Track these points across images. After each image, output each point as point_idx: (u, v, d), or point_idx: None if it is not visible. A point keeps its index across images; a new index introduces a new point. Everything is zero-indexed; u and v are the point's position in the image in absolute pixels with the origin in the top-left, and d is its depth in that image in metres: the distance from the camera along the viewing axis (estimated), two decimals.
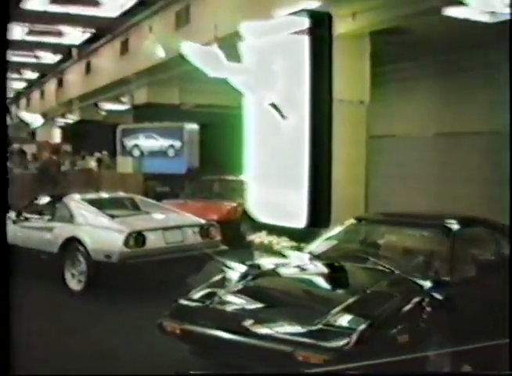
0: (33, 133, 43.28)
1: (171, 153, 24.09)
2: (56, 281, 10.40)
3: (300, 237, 9.55)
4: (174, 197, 17.48)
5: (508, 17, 9.16)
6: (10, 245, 11.19)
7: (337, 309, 5.75)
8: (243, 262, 7.53)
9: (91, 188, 16.47)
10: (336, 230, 8.22)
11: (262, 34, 11.43)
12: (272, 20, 11.43)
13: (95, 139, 31.13)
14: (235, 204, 15.39)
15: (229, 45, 14.80)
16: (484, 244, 7.82)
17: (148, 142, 24.88)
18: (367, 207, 12.50)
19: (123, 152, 25.78)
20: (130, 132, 25.61)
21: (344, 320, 5.60)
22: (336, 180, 10.54)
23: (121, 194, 12.85)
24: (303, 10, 10.59)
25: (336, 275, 6.99)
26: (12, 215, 11.77)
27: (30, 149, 35.75)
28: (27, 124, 40.05)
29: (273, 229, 11.03)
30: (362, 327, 5.44)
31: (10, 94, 30.86)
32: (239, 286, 6.79)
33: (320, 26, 10.18)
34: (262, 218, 11.38)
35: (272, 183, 11.12)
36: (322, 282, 7.15)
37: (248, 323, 5.84)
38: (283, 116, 10.71)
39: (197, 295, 6.62)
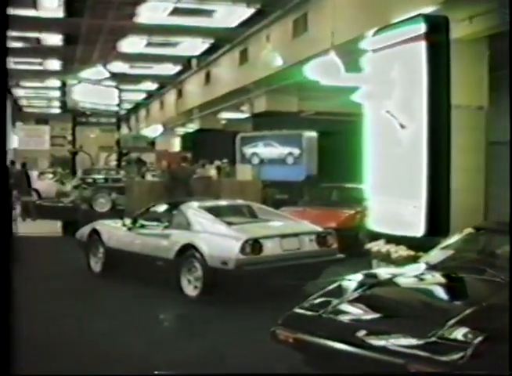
0: (152, 143, 44.34)
1: (289, 160, 24.17)
2: (172, 287, 10.58)
3: (418, 246, 9.40)
4: (293, 205, 17.48)
5: None
6: (126, 251, 11.56)
7: (453, 321, 5.59)
8: (359, 271, 7.48)
9: (210, 196, 16.66)
10: (453, 239, 8.03)
11: (380, 43, 11.37)
12: (389, 30, 11.30)
13: (215, 147, 31.57)
14: (353, 212, 15.29)
15: (347, 52, 14.79)
16: None
17: (267, 150, 25.06)
18: (486, 215, 12.18)
19: (242, 160, 26.07)
20: (249, 140, 25.87)
21: (460, 333, 5.42)
22: (454, 188, 10.33)
23: (239, 202, 12.96)
24: (419, 15, 10.46)
25: (453, 286, 6.83)
26: (127, 221, 12.10)
27: (149, 158, 36.70)
28: (146, 135, 41.07)
29: (391, 238, 10.90)
30: (478, 340, 5.27)
31: (129, 106, 31.83)
32: (355, 295, 6.71)
33: (437, 30, 10.02)
34: (380, 226, 11.30)
35: (390, 192, 11.03)
36: (438, 293, 6.98)
37: (361, 333, 5.75)
38: (401, 125, 10.61)
39: (311, 304, 6.59)
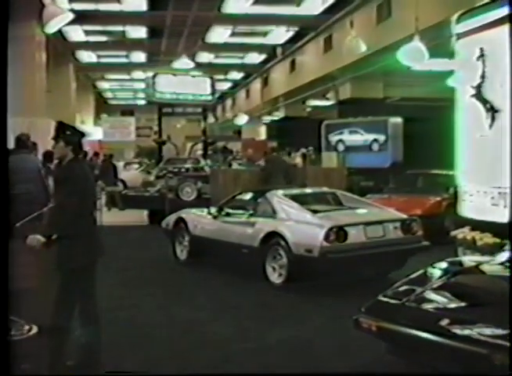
0: (239, 131, 44.60)
1: (375, 147, 23.96)
2: (257, 274, 10.65)
3: (504, 233, 9.22)
4: (378, 192, 17.37)
5: None
6: (211, 239, 11.71)
7: None
8: (444, 259, 7.37)
9: (296, 183, 16.68)
10: None
11: (465, 27, 11.19)
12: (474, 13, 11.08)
13: (300, 135, 31.59)
14: (439, 199, 15.11)
15: (432, 37, 14.59)
16: None
17: (352, 137, 24.90)
18: None
19: (327, 147, 26.00)
20: (334, 128, 25.75)
21: None
22: None
23: (323, 189, 12.93)
24: None
25: None
26: (213, 210, 12.23)
27: (235, 146, 36.95)
28: (232, 123, 41.32)
29: (477, 225, 10.72)
30: None
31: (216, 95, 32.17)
32: (439, 283, 6.62)
33: None
34: (468, 212, 11.15)
35: (479, 178, 10.85)
36: None
37: (445, 322, 5.69)
38: (488, 110, 10.42)
39: (395, 292, 6.54)
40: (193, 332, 8.20)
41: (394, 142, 23.29)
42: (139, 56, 33.73)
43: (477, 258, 8.20)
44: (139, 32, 28.38)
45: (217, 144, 36.30)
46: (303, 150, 31.56)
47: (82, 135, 6.64)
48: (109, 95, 54.12)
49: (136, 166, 32.29)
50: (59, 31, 22.05)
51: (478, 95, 10.79)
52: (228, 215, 11.91)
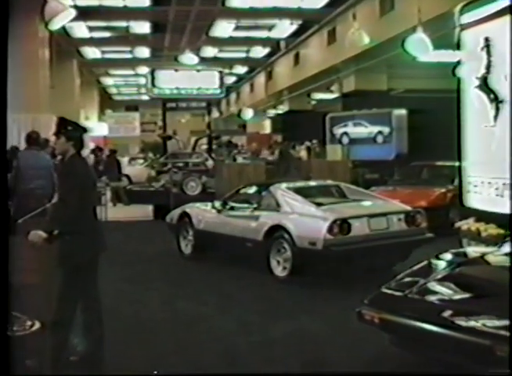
0: (243, 125, 44.56)
1: (379, 139, 23.95)
2: (262, 268, 10.65)
3: (507, 224, 9.19)
4: (383, 184, 17.35)
5: None
6: (215, 233, 11.72)
7: None
8: (449, 250, 7.35)
9: (300, 177, 16.69)
10: None
11: (468, 19, 11.14)
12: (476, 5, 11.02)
13: (305, 128, 31.55)
14: (444, 190, 15.09)
15: (435, 28, 14.54)
16: None
17: (357, 130, 24.88)
18: None
19: (332, 140, 26.00)
20: (339, 120, 25.74)
21: None
22: None
23: (328, 182, 12.90)
24: None
25: None
26: (217, 204, 12.21)
27: (240, 140, 36.92)
28: (237, 117, 41.29)
29: (482, 216, 10.69)
30: None
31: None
32: (443, 274, 6.60)
33: None
34: (473, 203, 11.12)
35: (483, 169, 10.82)
36: None
37: (447, 313, 5.67)
38: (498, 100, 10.38)
39: (398, 284, 6.52)
40: (198, 326, 8.20)
41: (398, 134, 23.28)
42: (143, 52, 33.67)
43: (482, 249, 8.16)
44: (143, 27, 28.35)
45: (221, 138, 36.28)
46: (307, 143, 31.54)
47: (84, 130, 6.64)
48: (113, 90, 54.07)
49: (141, 161, 32.28)
50: (63, 28, 22.04)
51: (483, 85, 10.75)
52: (232, 208, 11.90)
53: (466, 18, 11.30)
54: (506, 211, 9.75)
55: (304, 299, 9.46)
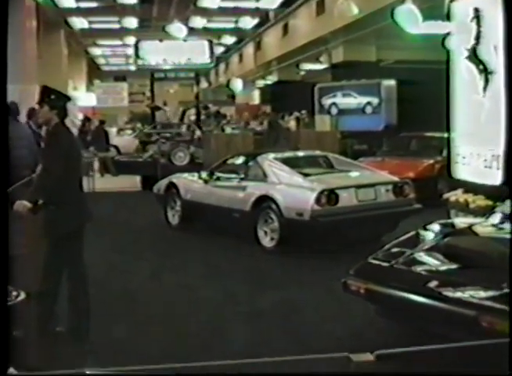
0: (232, 96, 44.40)
1: (368, 110, 23.88)
2: (249, 239, 10.64)
3: (496, 196, 9.18)
4: (372, 155, 17.31)
5: None
6: (203, 204, 11.70)
7: None
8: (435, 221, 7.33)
9: (289, 147, 16.62)
10: None
11: None
12: None
13: (294, 98, 31.43)
14: (432, 162, 15.05)
15: None
16: None
17: (345, 100, 24.79)
18: None
19: (321, 110, 25.90)
20: (327, 91, 25.62)
21: None
22: None
23: (315, 152, 12.86)
24: None
25: None
26: (204, 174, 12.15)
27: (228, 111, 36.77)
28: (226, 88, 41.12)
29: (470, 187, 10.68)
30: None
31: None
32: (430, 244, 6.59)
33: None
34: (461, 175, 11.09)
35: (472, 140, 10.77)
36: None
37: (433, 284, 5.65)
38: (487, 71, 10.32)
39: (384, 254, 6.50)
40: (185, 297, 8.18)
41: (387, 105, 23.22)
42: (131, 22, 33.38)
43: (470, 219, 8.15)
44: None
45: (210, 109, 36.15)
46: (296, 114, 31.45)
47: (67, 99, 6.56)
48: (101, 61, 53.69)
49: (129, 132, 32.12)
50: None
51: (472, 56, 10.67)
52: (219, 179, 11.85)
53: None
54: (495, 182, 9.74)
55: (292, 269, 9.47)
